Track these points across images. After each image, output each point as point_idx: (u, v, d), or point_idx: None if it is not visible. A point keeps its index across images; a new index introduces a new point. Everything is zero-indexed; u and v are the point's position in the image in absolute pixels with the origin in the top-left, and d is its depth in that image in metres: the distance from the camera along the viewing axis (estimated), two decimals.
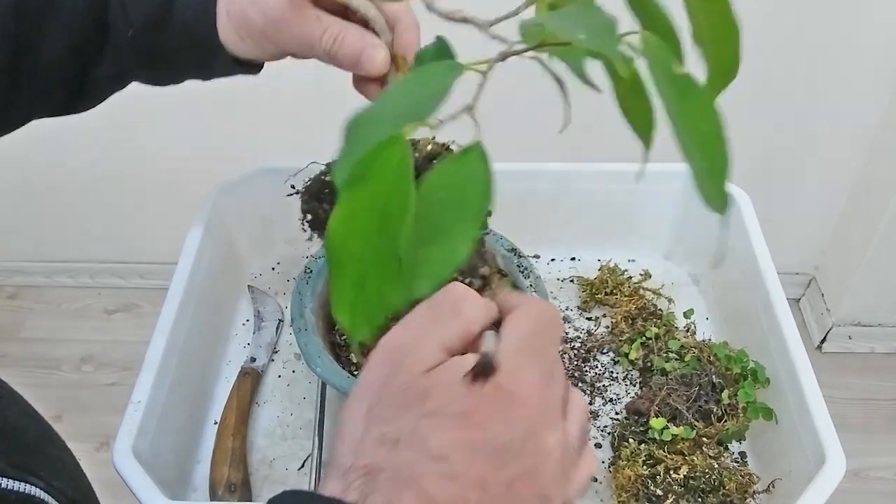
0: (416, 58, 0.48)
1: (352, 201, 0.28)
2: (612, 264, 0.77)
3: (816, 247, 1.55)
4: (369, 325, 0.32)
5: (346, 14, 0.49)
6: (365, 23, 0.48)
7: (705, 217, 0.80)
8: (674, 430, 0.61)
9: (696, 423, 0.62)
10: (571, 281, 0.78)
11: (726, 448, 0.63)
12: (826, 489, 0.51)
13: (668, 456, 0.59)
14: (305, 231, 0.54)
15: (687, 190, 0.75)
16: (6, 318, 1.64)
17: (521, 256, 0.65)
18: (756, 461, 0.63)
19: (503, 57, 0.31)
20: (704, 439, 0.61)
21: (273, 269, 0.81)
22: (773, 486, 0.59)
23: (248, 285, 0.78)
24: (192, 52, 0.51)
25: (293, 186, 0.57)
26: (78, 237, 1.54)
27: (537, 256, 0.80)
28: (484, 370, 0.31)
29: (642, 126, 0.33)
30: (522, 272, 0.63)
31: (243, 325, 0.75)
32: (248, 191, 0.74)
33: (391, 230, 0.28)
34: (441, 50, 0.43)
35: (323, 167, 0.54)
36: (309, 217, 0.53)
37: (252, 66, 0.52)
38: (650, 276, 0.76)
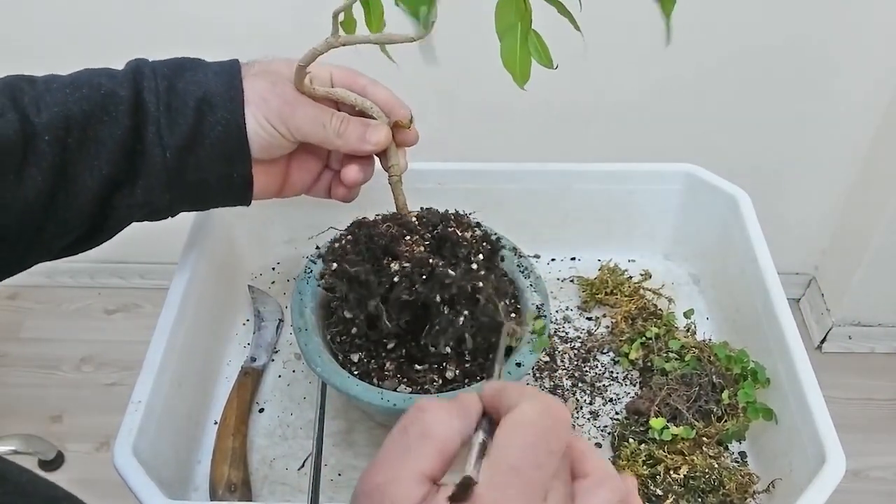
0: None
1: None
2: (612, 264, 0.77)
3: (816, 247, 1.55)
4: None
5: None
6: (361, 114, 0.56)
7: (706, 217, 0.81)
8: (674, 429, 0.61)
9: (697, 422, 0.62)
10: (571, 281, 0.78)
11: (726, 448, 0.63)
12: (826, 489, 0.51)
13: (668, 456, 0.59)
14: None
15: (687, 189, 0.75)
16: (6, 318, 1.64)
17: (521, 256, 0.65)
18: (756, 461, 0.63)
19: None
20: (704, 439, 0.61)
21: (273, 268, 0.81)
22: (774, 486, 0.59)
23: (249, 285, 0.78)
24: (220, 165, 0.54)
25: (318, 247, 0.61)
26: None
27: (537, 256, 0.80)
28: (461, 498, 0.29)
29: None
30: (522, 272, 0.63)
31: (243, 324, 0.75)
32: None
33: None
34: None
35: (342, 231, 0.57)
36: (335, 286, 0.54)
37: (249, 196, 0.57)
38: (650, 276, 0.76)
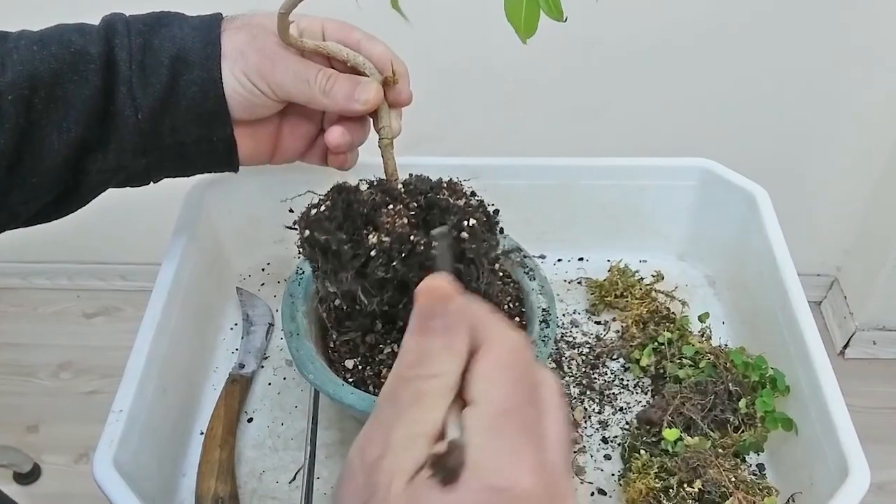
0: None
1: None
2: (622, 265, 0.77)
3: (839, 246, 1.55)
4: None
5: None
6: (353, 71, 0.54)
7: (722, 215, 0.81)
8: (688, 440, 0.61)
9: (712, 433, 0.62)
10: (579, 282, 0.78)
11: (743, 460, 0.63)
12: (849, 503, 0.51)
13: (682, 468, 0.60)
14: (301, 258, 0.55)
15: (703, 186, 0.75)
16: None
17: (525, 256, 0.65)
18: (775, 474, 0.63)
19: None
20: (720, 450, 0.61)
21: (263, 269, 0.81)
22: (793, 501, 0.59)
23: (237, 287, 0.78)
24: (197, 127, 0.53)
25: (291, 211, 0.58)
26: (55, 236, 1.54)
27: (543, 256, 0.80)
28: (449, 466, 0.30)
29: None
30: (527, 273, 0.63)
31: (231, 329, 0.75)
32: (236, 186, 0.74)
33: None
34: None
35: (321, 196, 0.54)
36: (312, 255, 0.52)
37: (234, 161, 0.56)
38: (663, 278, 0.76)
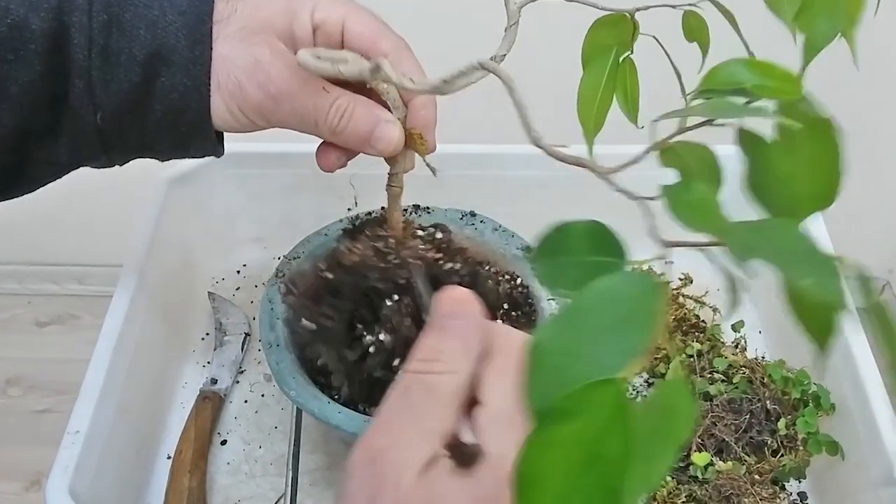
0: (560, 235, 0.48)
1: (552, 435, 0.29)
2: (644, 266, 0.77)
3: (892, 246, 1.55)
4: None
5: (351, 85, 0.50)
6: (375, 95, 0.50)
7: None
8: (720, 465, 0.61)
9: (747, 457, 0.62)
10: None
11: (783, 487, 0.63)
12: None
13: (713, 497, 0.59)
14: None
15: (739, 174, 0.75)
16: None
17: None
18: (819, 503, 0.63)
19: (670, 244, 0.33)
20: (757, 477, 0.61)
21: (238, 272, 0.81)
22: None
23: (208, 292, 0.78)
24: (172, 134, 0.50)
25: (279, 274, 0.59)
26: (2, 235, 1.54)
27: None
28: (467, 454, 0.32)
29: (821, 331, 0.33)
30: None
31: (202, 339, 0.75)
32: (207, 178, 0.74)
33: (605, 471, 0.29)
34: (598, 235, 0.40)
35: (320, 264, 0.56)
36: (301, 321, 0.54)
37: (215, 151, 0.54)
38: (691, 281, 0.76)
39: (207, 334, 0.75)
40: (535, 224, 0.70)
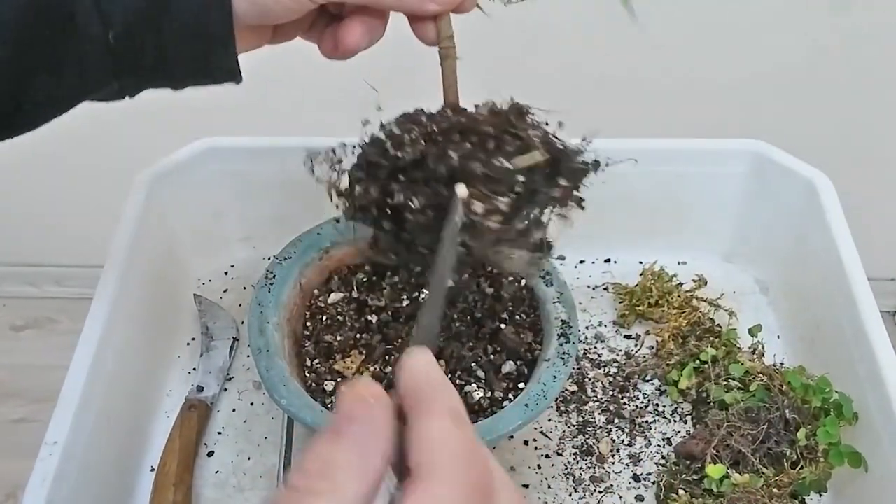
0: None
1: None
2: (657, 268, 0.77)
3: None
4: None
5: None
6: None
7: (777, 208, 0.81)
8: (736, 478, 0.61)
9: (765, 469, 0.62)
10: (606, 289, 0.78)
11: (803, 502, 0.63)
12: None
13: None
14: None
15: (754, 173, 0.75)
16: None
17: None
18: None
19: None
20: (775, 490, 0.61)
21: (226, 273, 0.81)
22: None
23: (194, 294, 0.78)
24: (193, 48, 0.48)
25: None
26: None
27: (562, 258, 0.80)
28: None
29: None
30: (543, 278, 0.64)
31: (188, 344, 0.75)
32: (193, 173, 0.74)
33: None
34: None
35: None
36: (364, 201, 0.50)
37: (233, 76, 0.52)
38: (706, 283, 0.76)
39: (193, 339, 0.75)
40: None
